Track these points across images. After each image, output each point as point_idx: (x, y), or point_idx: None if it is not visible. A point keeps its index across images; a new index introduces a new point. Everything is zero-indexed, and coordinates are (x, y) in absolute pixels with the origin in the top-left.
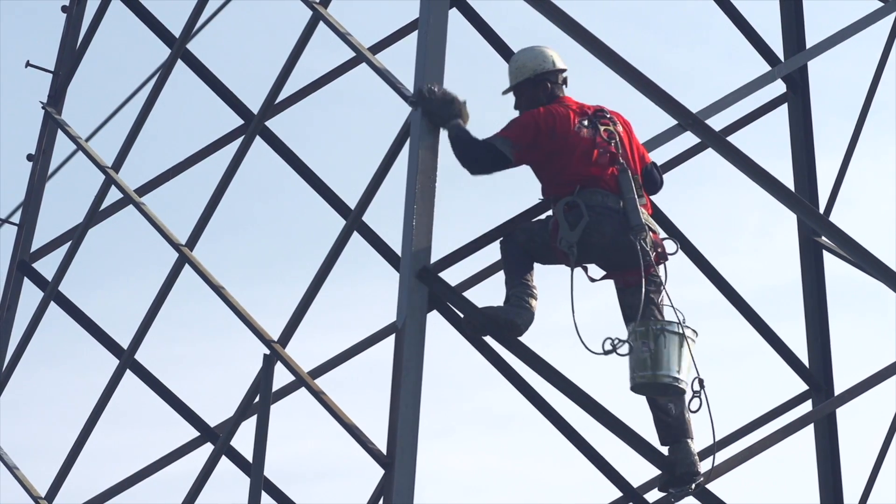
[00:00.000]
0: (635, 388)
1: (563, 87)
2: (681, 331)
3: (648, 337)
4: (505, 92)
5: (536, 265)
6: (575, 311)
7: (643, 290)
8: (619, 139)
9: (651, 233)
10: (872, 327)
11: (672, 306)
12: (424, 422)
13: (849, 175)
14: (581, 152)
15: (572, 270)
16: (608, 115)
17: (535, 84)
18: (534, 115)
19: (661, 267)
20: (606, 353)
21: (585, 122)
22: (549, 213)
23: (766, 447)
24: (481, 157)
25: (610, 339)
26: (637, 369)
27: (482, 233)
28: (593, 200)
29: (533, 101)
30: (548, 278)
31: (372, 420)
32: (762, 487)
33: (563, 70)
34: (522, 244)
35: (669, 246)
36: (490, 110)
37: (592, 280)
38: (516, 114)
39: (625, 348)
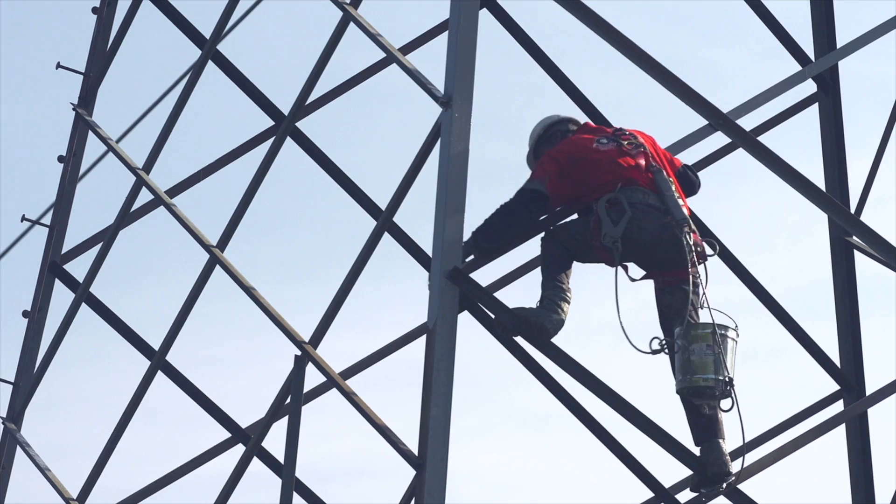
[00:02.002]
0: (686, 390)
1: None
2: (736, 336)
3: (711, 340)
4: (531, 166)
5: (576, 264)
6: (620, 309)
7: (689, 287)
8: (645, 149)
9: (692, 232)
10: None
11: (709, 307)
12: (461, 420)
13: (880, 174)
14: (607, 161)
15: (616, 268)
16: (627, 133)
17: (549, 139)
18: (549, 154)
19: (701, 267)
20: (654, 352)
21: (604, 140)
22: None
23: (797, 447)
24: (518, 210)
25: (658, 338)
26: (698, 372)
27: None
28: (634, 197)
29: None
30: (585, 276)
31: (403, 421)
32: (793, 487)
33: (572, 120)
34: (563, 242)
35: (709, 247)
36: (522, 110)
37: (633, 279)
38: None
39: (674, 348)
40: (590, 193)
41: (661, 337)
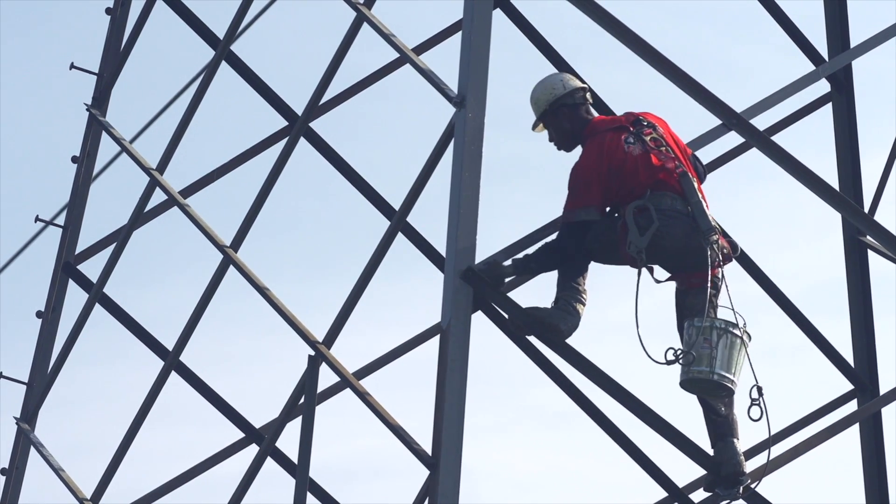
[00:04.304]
0: (686, 383)
1: (586, 105)
2: (741, 333)
3: (710, 334)
4: (535, 129)
5: (595, 265)
6: (638, 318)
7: (707, 291)
8: (665, 142)
9: (719, 236)
10: None
11: (732, 308)
12: (478, 418)
13: (894, 174)
14: (643, 165)
15: (639, 275)
16: (645, 122)
17: (555, 114)
18: (586, 167)
19: (722, 269)
20: (669, 363)
21: (631, 140)
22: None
23: (811, 447)
24: (572, 245)
25: (672, 349)
26: (693, 364)
27: (527, 233)
28: (663, 204)
29: (560, 130)
30: (601, 276)
31: (417, 420)
32: (807, 487)
33: (578, 90)
34: (587, 244)
35: (733, 246)
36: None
37: (657, 282)
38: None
39: (688, 358)
40: (622, 198)
41: (676, 347)
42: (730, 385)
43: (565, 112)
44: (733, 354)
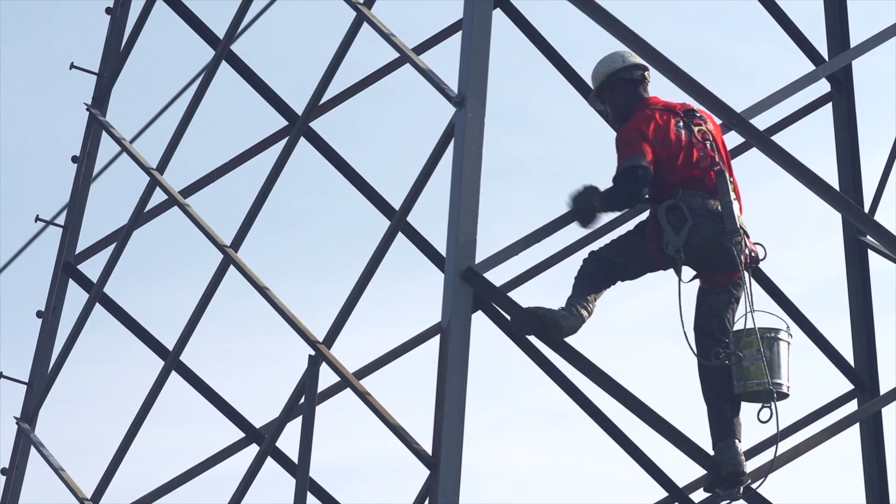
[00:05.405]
0: (743, 395)
1: (644, 83)
2: (786, 337)
3: (760, 344)
4: (592, 105)
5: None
6: (683, 317)
7: (735, 291)
8: (712, 139)
9: (746, 236)
10: None
11: (750, 310)
12: (483, 417)
13: (894, 173)
14: (684, 156)
15: (679, 275)
16: (698, 114)
17: (611, 87)
18: (635, 129)
19: (747, 271)
20: (716, 363)
21: (681, 124)
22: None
23: (811, 447)
24: (630, 188)
25: (720, 349)
26: (749, 377)
27: (527, 233)
28: (694, 203)
29: (616, 105)
30: None
31: (418, 420)
32: (807, 487)
33: (637, 67)
34: (611, 259)
35: (760, 250)
36: (535, 107)
37: (684, 282)
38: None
39: (735, 358)
40: (653, 194)
41: (725, 348)
42: (786, 391)
43: (622, 86)
44: (783, 359)
